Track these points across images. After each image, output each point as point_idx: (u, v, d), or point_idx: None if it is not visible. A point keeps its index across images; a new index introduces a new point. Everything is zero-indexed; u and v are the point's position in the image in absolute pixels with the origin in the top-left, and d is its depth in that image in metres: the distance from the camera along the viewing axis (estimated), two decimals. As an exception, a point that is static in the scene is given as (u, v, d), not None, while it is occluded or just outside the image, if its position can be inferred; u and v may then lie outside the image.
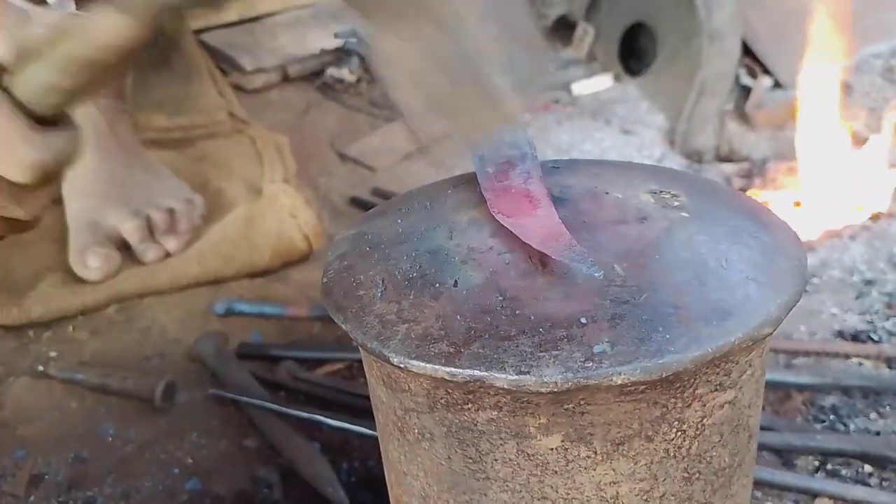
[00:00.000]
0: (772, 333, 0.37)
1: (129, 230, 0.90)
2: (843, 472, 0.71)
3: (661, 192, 0.43)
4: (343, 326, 0.40)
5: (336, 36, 1.30)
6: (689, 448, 0.38)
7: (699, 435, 0.38)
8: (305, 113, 1.32)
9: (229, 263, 0.91)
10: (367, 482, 0.71)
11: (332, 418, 0.72)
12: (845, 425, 0.77)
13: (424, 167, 1.24)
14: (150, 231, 0.91)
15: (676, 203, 0.42)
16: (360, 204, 1.12)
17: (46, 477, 0.70)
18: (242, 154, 1.07)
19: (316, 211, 0.99)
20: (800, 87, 1.33)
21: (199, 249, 0.91)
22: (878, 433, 0.75)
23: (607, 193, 0.43)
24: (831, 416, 0.78)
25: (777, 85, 1.44)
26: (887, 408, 0.78)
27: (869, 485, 0.70)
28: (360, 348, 0.41)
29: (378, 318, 0.39)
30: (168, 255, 0.91)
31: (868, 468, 0.71)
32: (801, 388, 0.80)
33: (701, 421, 0.38)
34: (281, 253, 0.93)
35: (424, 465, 0.41)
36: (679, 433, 0.38)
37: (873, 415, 0.78)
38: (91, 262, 0.87)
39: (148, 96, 1.17)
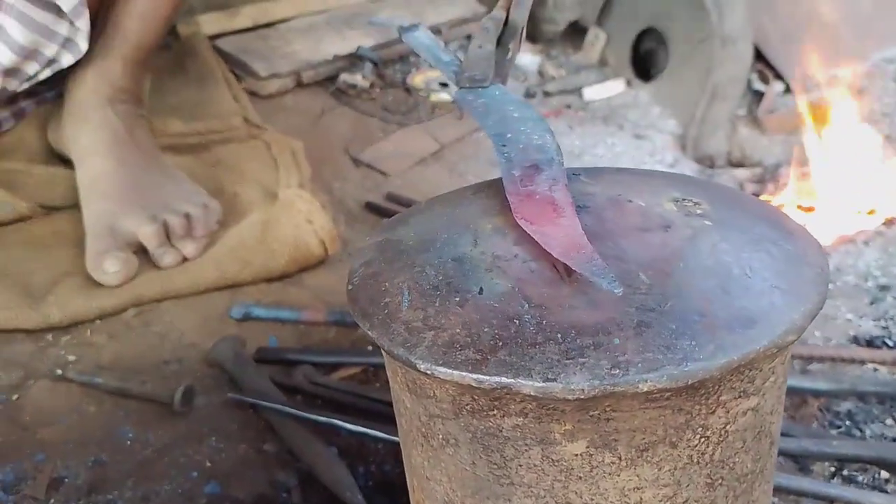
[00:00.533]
0: (795, 341, 0.37)
1: (147, 235, 0.91)
2: (860, 477, 0.71)
3: (684, 200, 0.44)
4: (369, 333, 0.40)
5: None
6: (713, 454, 0.39)
7: (722, 441, 0.39)
8: (319, 118, 1.32)
9: (246, 268, 0.91)
10: (385, 486, 0.71)
11: (349, 422, 0.73)
12: (861, 431, 0.77)
13: (438, 172, 1.25)
14: (168, 236, 0.92)
15: (699, 211, 0.43)
16: (375, 209, 1.12)
17: (66, 480, 0.71)
18: (258, 159, 1.07)
19: (331, 216, 0.99)
20: (812, 92, 1.33)
21: (216, 254, 0.92)
22: (894, 439, 0.75)
23: (630, 201, 0.43)
24: (847, 422, 0.78)
25: (789, 90, 1.44)
26: (903, 414, 0.78)
27: (886, 491, 0.70)
28: (385, 354, 0.42)
29: (404, 324, 0.39)
30: (185, 259, 0.92)
31: (885, 474, 0.71)
32: (816, 393, 0.80)
33: (724, 427, 0.38)
34: (297, 258, 0.94)
35: (448, 471, 0.42)
36: (703, 439, 0.38)
37: (889, 420, 0.78)
38: (108, 267, 0.88)
39: (164, 102, 1.18)
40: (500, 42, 0.56)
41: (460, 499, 0.42)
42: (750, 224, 0.43)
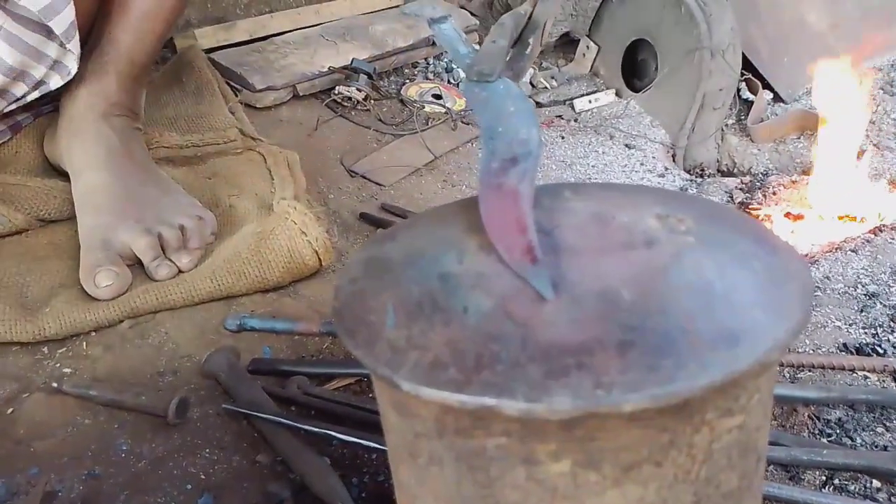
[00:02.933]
0: (780, 358, 0.38)
1: (142, 248, 0.91)
2: (851, 486, 0.72)
3: (668, 216, 0.44)
4: (354, 353, 0.40)
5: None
6: (699, 472, 0.39)
7: (708, 460, 0.39)
8: (314, 130, 1.33)
9: (241, 280, 0.92)
10: (378, 497, 0.72)
11: (342, 433, 0.73)
12: (852, 440, 0.77)
13: (432, 182, 1.25)
14: (163, 248, 0.92)
15: (683, 228, 0.43)
16: (369, 220, 1.13)
17: (60, 494, 0.71)
18: (253, 171, 1.08)
19: (326, 227, 1.00)
20: (801, 101, 1.33)
21: (211, 266, 0.92)
22: (885, 447, 0.76)
23: (614, 218, 0.44)
24: (838, 431, 0.78)
25: (777, 99, 1.45)
26: (894, 422, 0.79)
27: (877, 500, 0.70)
28: (371, 373, 0.42)
29: (389, 344, 0.39)
30: (180, 272, 0.92)
31: (876, 483, 0.72)
32: (807, 402, 0.80)
33: (710, 445, 0.39)
34: (292, 269, 0.94)
35: (435, 489, 0.42)
36: (688, 458, 0.39)
37: (880, 429, 0.78)
38: (101, 281, 0.88)
39: (161, 114, 1.18)
40: (521, 37, 0.57)
41: (447, 516, 0.42)
42: (734, 240, 0.44)
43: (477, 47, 0.59)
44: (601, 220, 0.44)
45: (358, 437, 0.72)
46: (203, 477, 0.73)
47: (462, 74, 1.33)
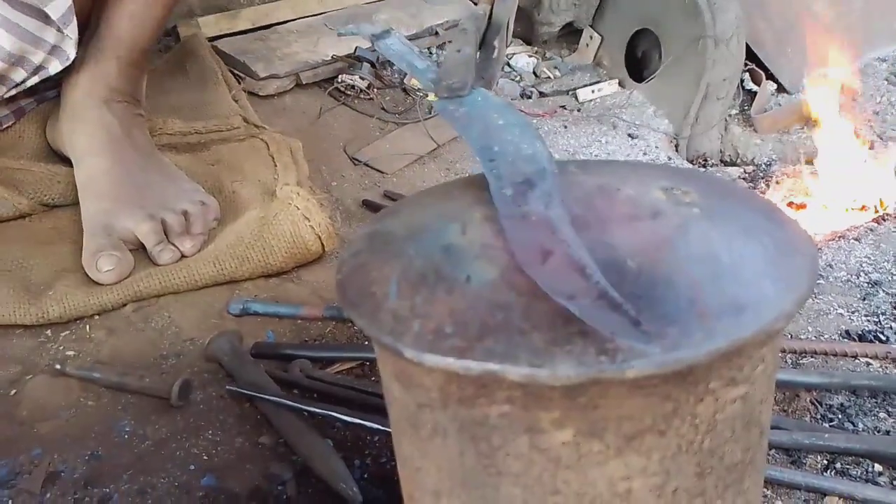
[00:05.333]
0: (784, 327, 0.38)
1: (144, 233, 0.91)
2: (853, 471, 0.72)
3: (674, 189, 0.44)
4: (357, 322, 0.40)
5: (339, 34, 1.31)
6: (702, 443, 0.39)
7: (711, 430, 0.39)
8: (318, 118, 1.33)
9: (244, 265, 0.92)
10: (380, 479, 0.72)
11: (345, 414, 0.73)
12: (854, 424, 0.77)
13: (435, 170, 1.25)
14: (166, 233, 0.92)
15: (689, 200, 0.43)
16: (372, 206, 1.13)
17: (62, 474, 0.71)
18: (256, 158, 1.08)
19: (328, 213, 1.00)
20: (805, 92, 1.33)
21: (214, 251, 0.92)
22: (887, 432, 0.75)
23: (619, 190, 0.44)
24: (840, 416, 0.78)
25: (781, 89, 1.45)
26: (896, 408, 0.79)
27: (879, 484, 0.70)
28: (374, 344, 0.42)
29: (392, 314, 0.39)
30: (183, 256, 0.92)
31: (878, 467, 0.72)
32: (809, 387, 0.80)
33: (713, 416, 0.39)
34: (294, 254, 0.94)
35: (437, 461, 0.42)
36: (691, 428, 0.39)
37: (882, 414, 0.78)
38: (103, 266, 0.88)
39: (164, 102, 1.18)
40: (485, 41, 0.52)
41: (449, 489, 0.42)
42: (740, 213, 0.44)
43: (430, 58, 0.56)
44: (606, 192, 0.44)
45: (360, 419, 0.72)
46: (206, 458, 0.73)
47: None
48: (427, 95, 1.40)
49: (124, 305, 0.88)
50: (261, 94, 1.32)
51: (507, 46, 0.56)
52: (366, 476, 0.72)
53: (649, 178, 0.46)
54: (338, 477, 0.69)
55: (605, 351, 0.35)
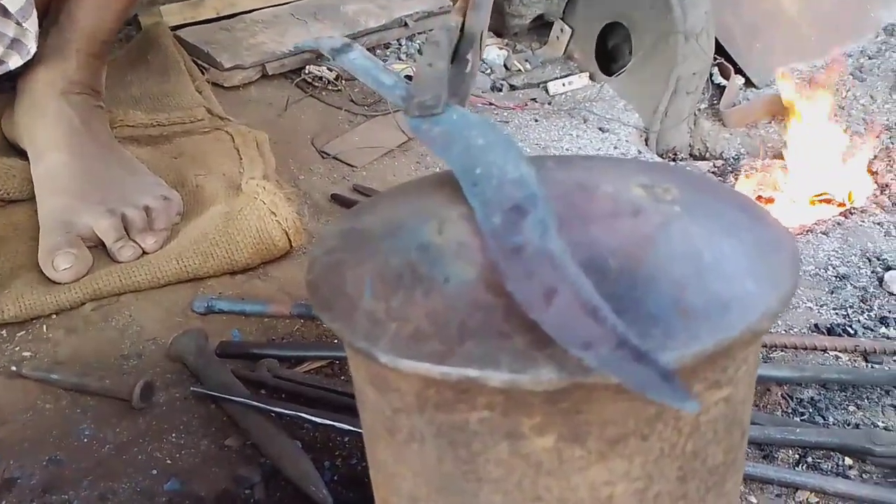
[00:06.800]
0: (771, 326, 0.37)
1: (104, 229, 0.88)
2: (824, 465, 0.72)
3: (653, 186, 0.43)
4: (330, 325, 0.39)
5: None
6: (685, 446, 0.38)
7: (695, 433, 0.38)
8: (284, 110, 1.30)
9: (208, 261, 0.89)
10: (351, 480, 0.70)
11: (314, 415, 0.71)
12: (824, 418, 0.78)
13: (406, 164, 1.24)
14: (127, 229, 0.90)
15: (669, 197, 0.42)
16: (341, 201, 1.11)
17: (19, 481, 0.68)
18: (221, 151, 1.05)
19: (296, 208, 0.98)
20: (773, 87, 1.34)
21: (178, 247, 0.90)
22: (857, 425, 0.76)
23: (598, 187, 0.43)
24: (810, 409, 0.79)
25: (749, 84, 1.46)
26: (865, 401, 0.79)
27: (849, 477, 0.71)
28: (347, 347, 0.41)
29: (366, 316, 0.38)
30: (145, 253, 0.89)
31: (848, 461, 0.72)
32: (780, 381, 0.81)
33: (697, 418, 0.38)
34: (261, 250, 0.92)
35: (414, 467, 0.41)
36: (675, 431, 0.38)
37: (851, 407, 0.79)
38: (59, 264, 0.85)
39: (125, 93, 1.15)
40: (458, 54, 0.49)
41: (426, 495, 0.41)
42: (721, 210, 0.43)
43: (396, 73, 0.51)
44: (585, 189, 0.42)
45: (330, 420, 0.71)
46: (169, 462, 0.71)
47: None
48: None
49: (83, 304, 0.86)
50: (225, 85, 1.29)
51: (479, 61, 0.52)
52: (336, 478, 0.70)
53: (628, 174, 0.45)
54: (307, 479, 0.67)
55: (588, 354, 0.34)
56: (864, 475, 0.71)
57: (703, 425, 0.39)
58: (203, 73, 1.26)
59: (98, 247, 0.90)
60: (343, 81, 1.35)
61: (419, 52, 1.45)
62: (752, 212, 0.44)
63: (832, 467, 0.72)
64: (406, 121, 0.48)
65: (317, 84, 1.34)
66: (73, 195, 0.90)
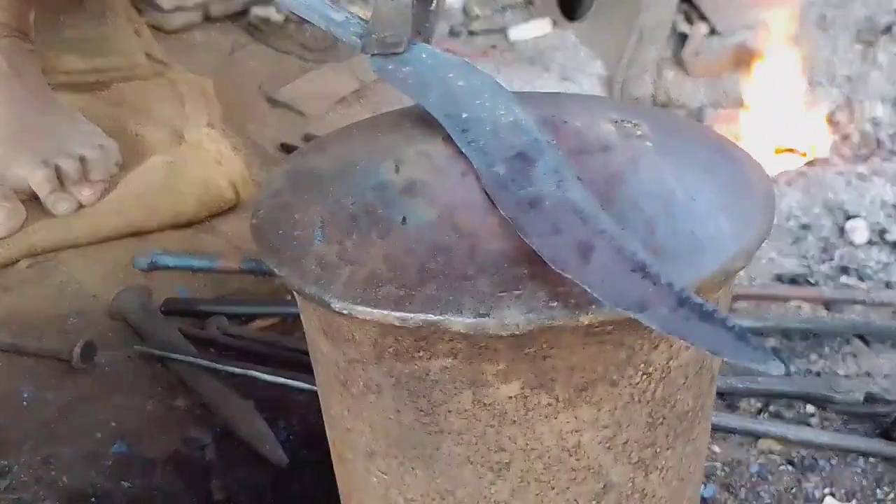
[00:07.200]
0: (744, 267, 0.35)
1: (38, 181, 0.83)
2: (786, 413, 0.72)
3: (623, 121, 0.40)
4: (276, 271, 0.36)
5: None
6: (654, 392, 0.36)
7: (665, 378, 0.36)
8: (230, 55, 1.25)
9: (151, 214, 0.85)
10: (307, 439, 0.68)
11: (267, 373, 0.69)
12: (787, 367, 0.77)
13: (360, 112, 1.20)
14: (61, 181, 0.84)
15: (639, 133, 0.40)
16: (291, 151, 1.06)
17: (-46, 447, 0.65)
18: (162, 97, 0.99)
19: (244, 158, 0.93)
20: (737, 35, 1.32)
21: (118, 199, 0.85)
22: (818, 374, 0.76)
23: (566, 122, 0.40)
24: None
25: (714, 32, 1.44)
26: (826, 349, 0.79)
27: (810, 425, 0.71)
28: (297, 295, 0.38)
29: (317, 260, 0.35)
30: (82, 206, 0.85)
31: (810, 409, 0.72)
32: (743, 331, 0.80)
33: (667, 363, 0.36)
34: (207, 202, 0.88)
35: (371, 420, 0.38)
36: (644, 376, 0.36)
37: (813, 356, 0.79)
38: None
39: (59, 37, 1.08)
40: None
41: (384, 449, 0.39)
42: (693, 147, 0.41)
43: (346, 9, 0.45)
44: (552, 125, 0.39)
45: (284, 378, 0.68)
46: (115, 424, 0.68)
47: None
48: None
49: (18, 261, 0.81)
50: (166, 28, 1.22)
51: None
52: (291, 437, 0.68)
53: (597, 110, 0.42)
54: (261, 439, 0.65)
55: (556, 295, 0.31)
56: (824, 422, 0.71)
57: (674, 370, 0.37)
58: (141, 15, 1.19)
59: (31, 200, 0.84)
60: (293, 25, 1.29)
61: None
62: (726, 150, 0.42)
63: (794, 416, 0.72)
64: (369, 61, 0.43)
65: (264, 28, 1.28)
66: (2, 144, 0.84)
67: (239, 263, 0.84)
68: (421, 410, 0.36)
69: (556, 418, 0.35)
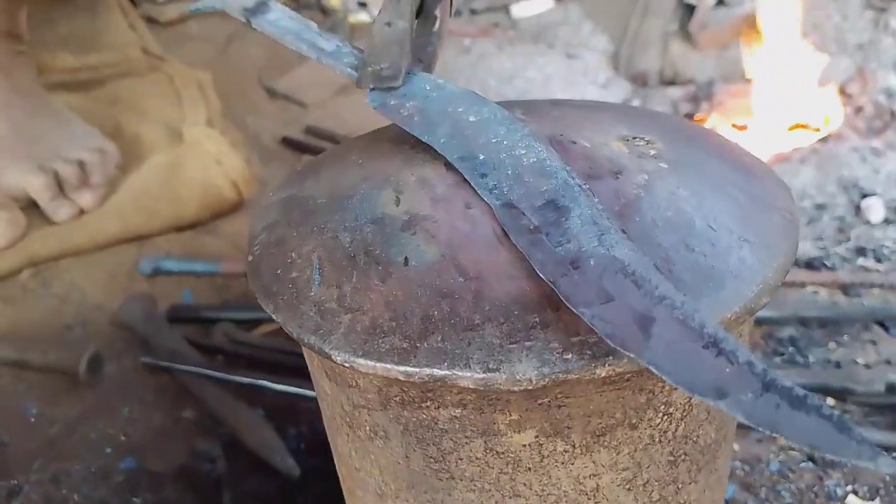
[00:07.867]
0: (769, 302, 0.33)
1: (36, 188, 0.82)
2: (805, 407, 0.70)
3: (634, 138, 0.38)
4: (275, 317, 0.34)
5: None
6: (676, 430, 0.35)
7: (686, 416, 0.35)
8: (227, 46, 1.22)
9: (152, 218, 0.84)
10: (317, 447, 0.67)
11: (275, 382, 0.68)
12: (805, 357, 0.76)
13: (361, 101, 1.16)
14: (61, 187, 0.83)
15: (653, 151, 0.37)
16: (293, 144, 1.04)
17: (-40, 467, 0.64)
18: (160, 94, 0.98)
19: (244, 155, 0.92)
20: (745, 5, 1.28)
21: (118, 203, 0.84)
22: (837, 364, 0.74)
23: (574, 143, 0.37)
24: (790, 348, 0.76)
25: (721, 3, 1.39)
26: (845, 337, 0.78)
27: (830, 419, 0.69)
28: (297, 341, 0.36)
29: (316, 306, 0.33)
30: (82, 212, 0.83)
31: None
32: (758, 321, 0.78)
33: (689, 401, 0.34)
34: (208, 203, 0.86)
35: (379, 463, 0.37)
36: (665, 416, 0.34)
37: (832, 344, 0.77)
38: None
39: (50, 33, 1.05)
40: (423, 9, 0.41)
41: (394, 492, 0.37)
42: (709, 163, 0.38)
43: (333, 37, 0.42)
44: (561, 146, 0.37)
45: (293, 386, 0.67)
46: (123, 439, 0.68)
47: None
48: (347, 17, 1.30)
49: (19, 271, 0.80)
50: (161, 20, 1.20)
51: (449, 15, 0.42)
52: (302, 446, 0.67)
53: (606, 124, 0.40)
54: (271, 449, 0.64)
55: (570, 345, 0.30)
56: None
57: (696, 407, 0.35)
58: (135, 7, 1.16)
59: (30, 207, 0.83)
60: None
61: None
62: (743, 163, 0.39)
63: (813, 408, 0.70)
64: (367, 96, 0.39)
65: (261, 16, 1.25)
66: (-2, 152, 0.83)
67: (243, 266, 0.82)
68: (431, 457, 0.34)
69: (573, 464, 0.34)
